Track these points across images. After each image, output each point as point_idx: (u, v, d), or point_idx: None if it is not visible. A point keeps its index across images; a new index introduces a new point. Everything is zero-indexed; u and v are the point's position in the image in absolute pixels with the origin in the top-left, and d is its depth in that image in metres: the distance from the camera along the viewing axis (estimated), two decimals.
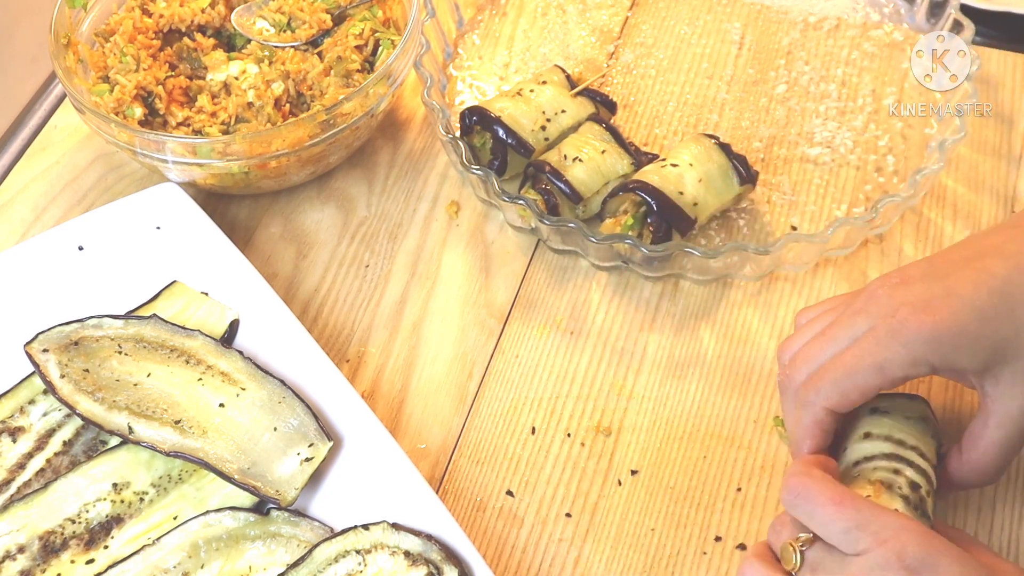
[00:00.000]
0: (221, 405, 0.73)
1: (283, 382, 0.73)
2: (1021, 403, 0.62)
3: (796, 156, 0.92)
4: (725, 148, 0.85)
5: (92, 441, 0.73)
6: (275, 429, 0.72)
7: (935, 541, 0.56)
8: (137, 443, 0.71)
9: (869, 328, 0.63)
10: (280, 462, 0.71)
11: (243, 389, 0.74)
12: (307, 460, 0.70)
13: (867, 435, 0.66)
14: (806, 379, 0.65)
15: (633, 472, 0.74)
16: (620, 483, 0.74)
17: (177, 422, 0.72)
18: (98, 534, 0.70)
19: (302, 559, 0.66)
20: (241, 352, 0.75)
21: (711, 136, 0.87)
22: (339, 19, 0.92)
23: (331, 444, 0.71)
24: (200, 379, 0.74)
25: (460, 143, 0.84)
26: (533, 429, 0.77)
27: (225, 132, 0.86)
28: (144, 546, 0.68)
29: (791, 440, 0.67)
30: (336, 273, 0.86)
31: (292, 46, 0.90)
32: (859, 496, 0.59)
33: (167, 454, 0.71)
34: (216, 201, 0.90)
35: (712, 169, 0.84)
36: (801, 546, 0.59)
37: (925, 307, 0.61)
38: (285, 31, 0.91)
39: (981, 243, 0.66)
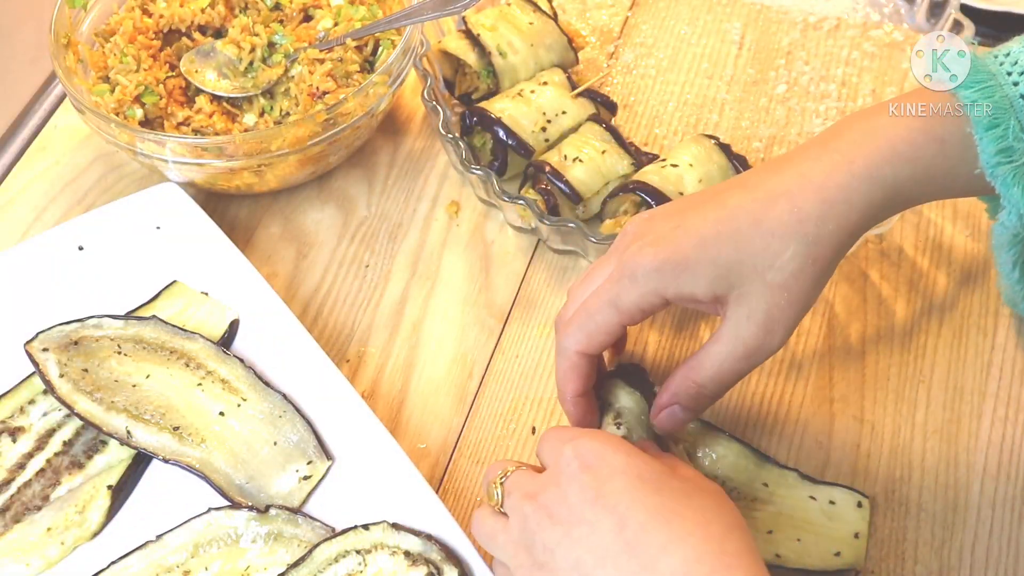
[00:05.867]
0: (221, 413, 0.73)
1: (284, 396, 0.74)
2: (742, 325, 0.62)
3: None
4: (725, 149, 0.85)
5: (92, 441, 0.73)
6: (275, 443, 0.72)
7: (609, 437, 0.59)
8: (135, 449, 0.72)
9: (614, 266, 0.65)
10: (278, 477, 0.71)
11: (244, 399, 0.74)
12: (305, 478, 0.71)
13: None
14: (559, 328, 0.67)
15: None
16: None
17: (176, 428, 0.73)
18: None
19: (302, 559, 0.66)
20: (242, 360, 0.76)
21: (711, 137, 0.87)
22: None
23: (330, 463, 0.71)
24: (200, 384, 0.75)
25: (460, 143, 0.84)
26: (533, 429, 0.77)
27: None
28: (147, 542, 0.69)
29: (557, 386, 0.69)
30: (336, 273, 0.86)
31: (243, 97, 0.89)
32: (570, 427, 0.64)
33: (165, 462, 0.71)
34: (216, 201, 0.90)
35: (712, 169, 0.84)
36: (501, 479, 0.61)
37: (653, 241, 0.63)
38: (239, 78, 0.90)
39: (738, 177, 0.67)
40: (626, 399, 0.70)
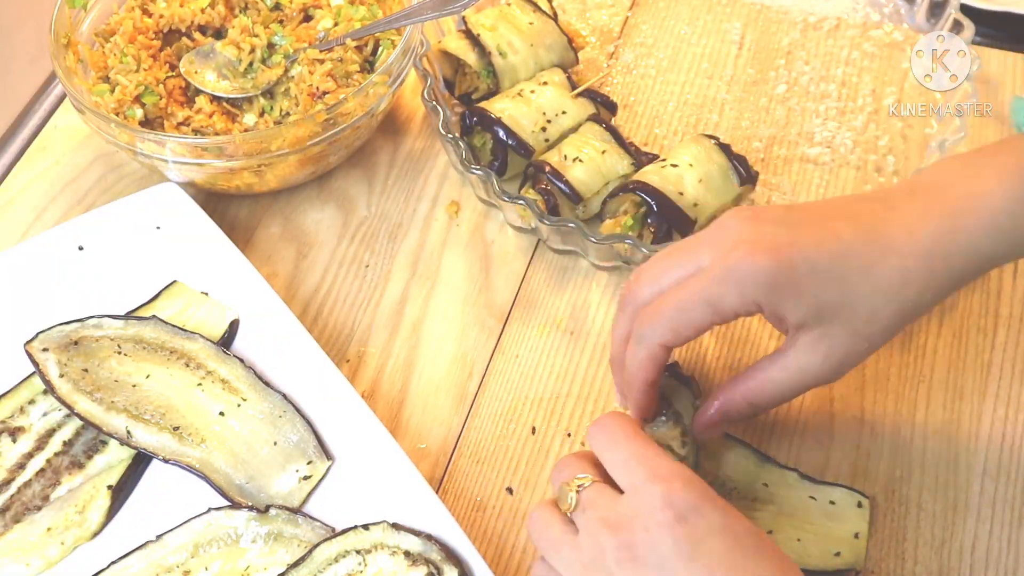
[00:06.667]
0: (221, 413, 0.73)
1: (284, 396, 0.74)
2: (814, 361, 0.63)
3: (796, 156, 0.92)
4: (725, 148, 0.85)
5: (92, 441, 0.73)
6: (275, 443, 0.72)
7: (704, 488, 0.57)
8: (135, 449, 0.72)
9: (711, 261, 0.63)
10: (278, 477, 0.71)
11: (244, 399, 0.74)
12: (305, 478, 0.71)
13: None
14: (642, 314, 0.65)
15: None
16: None
17: (176, 428, 0.73)
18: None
19: (302, 559, 0.66)
20: (242, 360, 0.76)
21: (711, 136, 0.87)
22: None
23: (330, 463, 0.71)
24: (200, 384, 0.75)
25: (460, 143, 0.84)
26: (533, 429, 0.77)
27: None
28: (147, 542, 0.69)
29: (627, 372, 0.67)
30: (336, 273, 0.86)
31: (243, 97, 0.89)
32: (647, 437, 0.61)
33: (165, 462, 0.71)
34: (216, 201, 0.90)
35: (712, 169, 0.84)
36: (578, 487, 0.59)
37: (768, 249, 0.62)
38: (239, 79, 0.90)
39: (843, 204, 0.67)
40: (690, 416, 0.70)
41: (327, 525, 0.69)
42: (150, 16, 0.92)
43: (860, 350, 0.63)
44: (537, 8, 0.94)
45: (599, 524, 0.57)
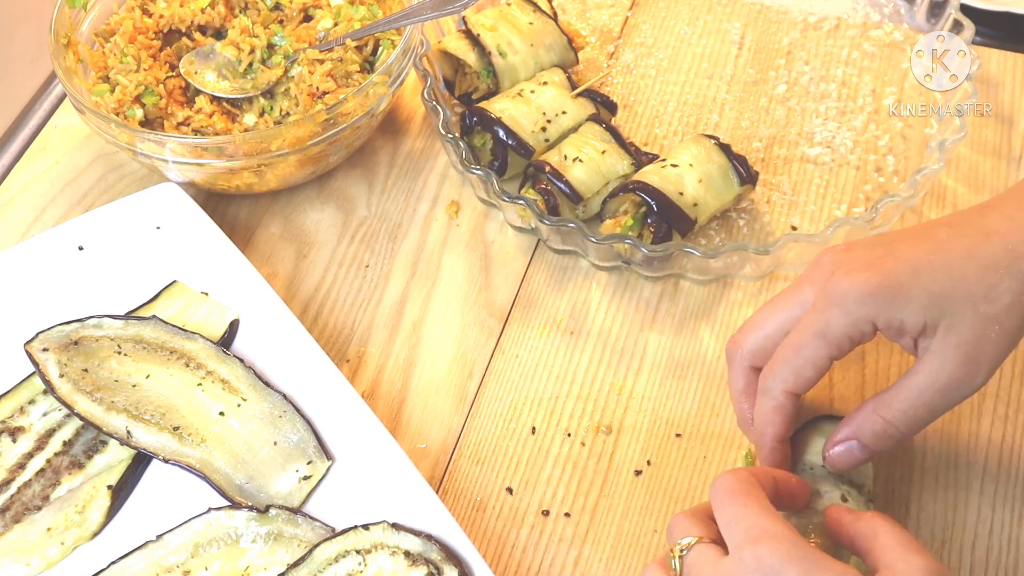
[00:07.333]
0: (221, 413, 0.73)
1: (284, 396, 0.74)
2: (947, 357, 0.61)
3: (796, 156, 0.92)
4: (725, 148, 0.85)
5: (92, 441, 0.73)
6: (275, 443, 0.72)
7: (791, 547, 0.55)
8: (135, 449, 0.72)
9: (813, 295, 0.63)
10: (278, 477, 0.71)
11: (244, 399, 0.74)
12: (305, 478, 0.71)
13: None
14: (764, 369, 0.65)
15: (637, 472, 0.74)
16: (621, 483, 0.74)
17: (176, 428, 0.73)
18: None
19: (302, 559, 0.66)
20: (242, 360, 0.76)
21: (711, 137, 0.87)
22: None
23: (330, 463, 0.71)
24: (200, 384, 0.75)
25: (460, 143, 0.84)
26: (533, 429, 0.77)
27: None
28: (147, 542, 0.69)
29: (756, 430, 0.66)
30: (336, 273, 0.86)
31: (243, 97, 0.89)
32: (755, 495, 0.59)
33: (165, 462, 0.71)
34: (216, 201, 0.90)
35: (712, 169, 0.84)
36: (681, 552, 0.59)
37: (862, 267, 0.62)
38: (239, 79, 0.90)
39: (935, 220, 0.67)
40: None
41: (327, 525, 0.69)
42: (150, 16, 0.92)
43: (992, 335, 0.61)
44: (537, 8, 0.94)
45: None
